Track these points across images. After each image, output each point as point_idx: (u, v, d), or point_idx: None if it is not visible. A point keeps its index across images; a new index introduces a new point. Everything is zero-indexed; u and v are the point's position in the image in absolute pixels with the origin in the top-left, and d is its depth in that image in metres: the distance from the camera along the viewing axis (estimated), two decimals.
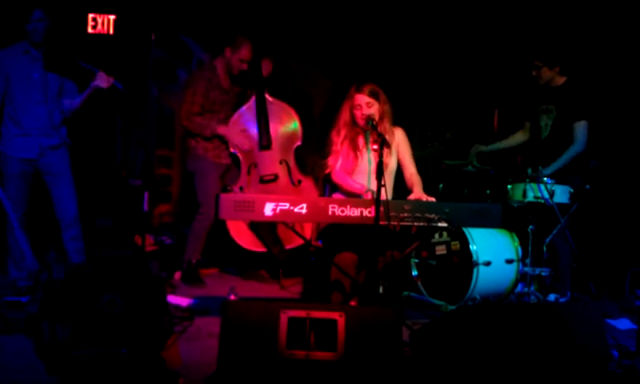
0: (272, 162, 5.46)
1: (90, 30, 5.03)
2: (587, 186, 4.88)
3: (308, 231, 5.15)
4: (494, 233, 5.10)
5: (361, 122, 4.22)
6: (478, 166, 5.43)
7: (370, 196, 4.01)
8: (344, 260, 4.04)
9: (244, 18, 6.17)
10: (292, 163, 5.51)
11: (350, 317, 3.02)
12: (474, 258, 4.84)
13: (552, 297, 5.00)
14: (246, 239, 5.38)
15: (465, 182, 5.71)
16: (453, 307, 4.87)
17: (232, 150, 5.39)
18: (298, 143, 5.56)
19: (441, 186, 5.73)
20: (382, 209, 3.62)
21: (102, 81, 4.67)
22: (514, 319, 3.20)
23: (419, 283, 5.25)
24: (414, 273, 5.29)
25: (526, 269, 4.96)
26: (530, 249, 4.92)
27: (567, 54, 5.17)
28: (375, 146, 3.89)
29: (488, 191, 5.45)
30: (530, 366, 3.09)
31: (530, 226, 4.94)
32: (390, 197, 4.15)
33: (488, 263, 4.87)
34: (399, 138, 4.40)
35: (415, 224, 3.80)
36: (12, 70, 4.65)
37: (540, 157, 4.99)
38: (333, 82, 6.70)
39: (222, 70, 5.38)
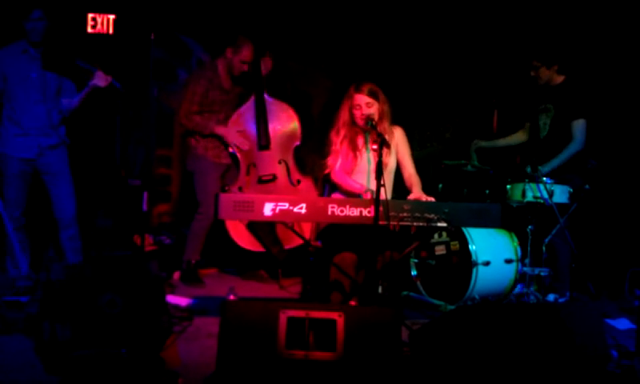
0: (271, 162, 5.46)
1: (89, 30, 5.02)
2: (586, 186, 4.88)
3: (307, 231, 5.15)
4: (494, 233, 5.10)
5: (360, 122, 4.22)
6: (477, 166, 5.43)
7: (369, 196, 4.01)
8: (343, 260, 4.04)
9: (244, 17, 6.17)
10: (291, 163, 5.51)
11: (349, 317, 3.02)
12: (474, 257, 4.84)
13: (551, 297, 5.00)
14: (245, 239, 5.38)
15: (464, 181, 5.72)
16: (452, 307, 4.87)
17: (231, 150, 5.39)
18: (297, 143, 5.56)
19: (440, 185, 5.73)
20: (381, 209, 3.63)
21: (100, 80, 4.68)
22: (513, 319, 3.21)
23: (418, 283, 5.25)
24: (414, 273, 5.29)
25: (525, 269, 4.96)
26: (529, 249, 4.93)
27: (564, 52, 5.17)
28: (375, 146, 3.89)
29: (487, 191, 5.45)
30: (530, 366, 3.09)
31: (529, 226, 4.94)
32: (389, 196, 4.15)
33: (487, 263, 4.88)
34: (398, 138, 4.40)
35: (414, 224, 3.80)
36: (10, 70, 4.66)
37: (539, 156, 4.99)
38: (332, 81, 6.70)
39: (224, 70, 5.38)
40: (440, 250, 5.18)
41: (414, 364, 3.28)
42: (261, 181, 5.41)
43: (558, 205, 4.77)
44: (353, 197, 4.13)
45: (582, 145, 4.99)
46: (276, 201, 3.67)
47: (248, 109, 5.45)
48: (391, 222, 3.73)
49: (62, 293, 3.28)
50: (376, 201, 3.58)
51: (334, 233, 4.16)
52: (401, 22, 6.55)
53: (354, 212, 3.73)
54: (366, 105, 4.20)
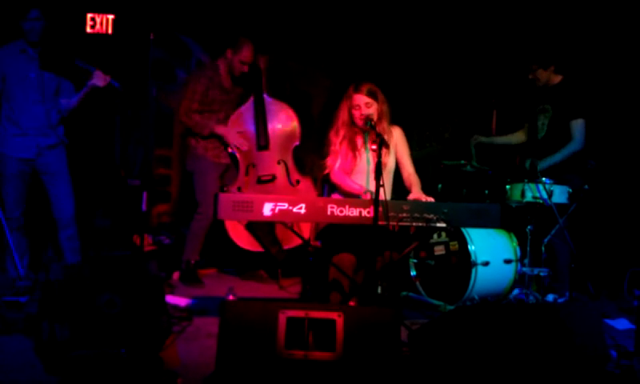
0: (270, 162, 5.46)
1: (88, 30, 5.02)
2: (586, 186, 4.88)
3: (307, 231, 5.15)
4: (493, 233, 5.10)
5: (359, 122, 4.22)
6: (476, 166, 5.43)
7: (368, 197, 4.01)
8: (343, 260, 4.04)
9: (243, 17, 6.17)
10: (290, 163, 5.50)
11: (348, 317, 3.02)
12: (473, 258, 4.84)
13: (550, 297, 5.00)
14: (244, 239, 5.38)
15: (463, 182, 5.72)
16: (451, 307, 4.87)
17: (230, 150, 5.39)
18: (297, 143, 5.56)
19: (439, 186, 5.74)
20: (380, 209, 3.63)
21: (99, 79, 4.68)
22: (512, 319, 3.21)
23: (418, 283, 5.26)
24: (413, 273, 5.29)
25: (524, 269, 4.97)
26: (528, 249, 4.93)
27: (560, 51, 5.18)
28: (374, 146, 3.89)
29: (486, 191, 5.45)
30: (529, 366, 3.09)
31: (529, 226, 4.95)
32: (388, 197, 4.15)
33: (486, 263, 4.88)
34: (397, 137, 4.39)
35: (414, 224, 3.81)
36: (9, 70, 4.65)
37: (537, 156, 5.00)
38: (332, 81, 6.70)
39: (224, 69, 5.39)
40: (439, 251, 5.18)
41: (413, 364, 3.28)
42: (260, 181, 5.41)
43: (558, 205, 4.77)
44: (352, 197, 4.12)
45: (582, 144, 5.00)
46: (275, 201, 3.67)
47: (247, 109, 5.45)
48: (390, 223, 3.73)
49: (61, 293, 3.28)
50: (375, 201, 3.58)
51: (334, 233, 4.16)
52: (400, 21, 6.56)
53: (353, 212, 3.73)
54: (365, 105, 4.20)
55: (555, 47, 5.21)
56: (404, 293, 5.27)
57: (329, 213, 3.71)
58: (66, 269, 3.51)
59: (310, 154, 5.83)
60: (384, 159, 4.02)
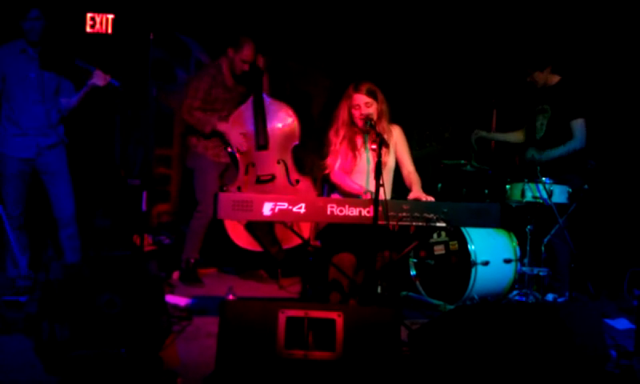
0: (269, 162, 5.46)
1: (88, 30, 5.02)
2: (585, 186, 4.88)
3: (306, 231, 5.15)
4: (493, 233, 5.10)
5: (359, 122, 4.21)
6: (476, 166, 5.43)
7: (368, 196, 4.01)
8: (342, 260, 4.04)
9: (243, 17, 6.17)
10: (290, 163, 5.50)
11: (348, 317, 3.02)
12: (473, 257, 4.85)
13: (550, 297, 5.01)
14: (244, 239, 5.38)
15: (463, 181, 5.72)
16: (451, 307, 4.87)
17: (230, 149, 5.39)
18: (296, 143, 5.55)
19: (439, 185, 5.74)
20: (380, 208, 3.62)
21: (99, 79, 4.68)
22: (512, 319, 3.21)
23: (417, 283, 5.26)
24: (413, 272, 5.29)
25: (524, 269, 4.97)
26: (528, 249, 4.93)
27: (555, 52, 5.19)
28: (374, 146, 3.89)
29: (486, 191, 5.46)
30: (529, 366, 3.09)
31: (529, 226, 4.95)
32: (388, 196, 4.15)
33: (486, 263, 4.88)
34: (397, 136, 4.39)
35: (414, 224, 3.81)
36: (9, 70, 4.65)
37: (537, 154, 5.00)
38: (332, 81, 6.70)
39: (227, 68, 5.40)
40: (439, 250, 5.18)
41: (413, 364, 3.28)
42: (259, 181, 5.41)
43: (557, 205, 4.77)
44: (352, 197, 4.12)
45: (583, 143, 5.00)
46: (275, 200, 3.67)
47: (247, 108, 5.45)
48: (390, 222, 3.73)
49: (61, 293, 3.28)
50: (375, 201, 3.58)
51: (333, 233, 4.16)
52: (400, 21, 6.56)
53: (353, 212, 3.73)
54: (365, 105, 4.20)
55: (550, 48, 5.22)
56: (404, 292, 5.27)
57: (328, 212, 3.71)
58: (66, 268, 3.51)
59: (310, 154, 5.83)
60: (384, 158, 4.02)
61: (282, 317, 3.00)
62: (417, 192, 4.18)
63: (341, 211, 3.72)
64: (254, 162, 5.42)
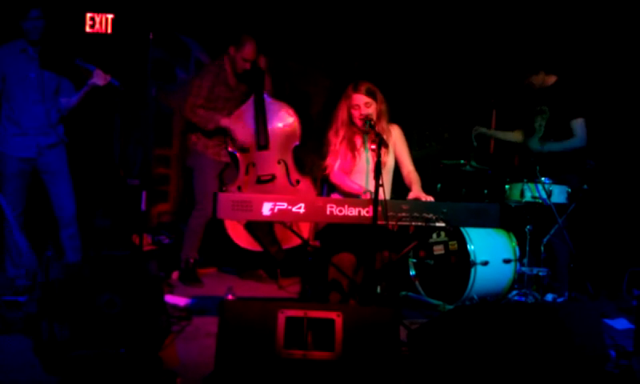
0: (270, 162, 5.46)
1: (88, 29, 5.02)
2: (585, 186, 4.89)
3: (306, 231, 5.15)
4: (492, 233, 5.10)
5: (359, 122, 4.21)
6: (475, 166, 5.43)
7: (368, 196, 4.01)
8: (342, 260, 4.04)
9: (242, 17, 6.17)
10: (290, 163, 5.50)
11: (347, 316, 3.02)
12: (472, 257, 4.85)
13: (549, 297, 5.01)
14: (243, 239, 5.38)
15: (463, 181, 5.72)
16: (450, 307, 4.87)
17: (230, 149, 5.39)
18: (297, 143, 5.54)
19: (439, 185, 5.74)
20: (379, 208, 3.62)
21: (99, 78, 4.67)
22: (511, 319, 3.21)
23: (417, 283, 5.26)
24: (412, 272, 5.29)
25: (523, 269, 4.97)
26: (527, 249, 4.93)
27: (548, 54, 5.19)
28: (373, 146, 3.89)
29: (486, 191, 5.46)
30: (528, 366, 3.09)
31: (528, 226, 4.95)
32: (388, 196, 4.15)
33: (485, 263, 4.88)
34: (396, 136, 4.39)
35: (413, 224, 3.81)
36: (9, 69, 4.65)
37: (535, 157, 5.01)
38: (332, 81, 6.70)
39: (229, 66, 5.40)
40: (438, 250, 5.19)
41: (412, 364, 3.28)
42: (260, 181, 5.41)
43: (557, 205, 4.78)
44: (352, 197, 4.12)
45: (584, 141, 5.00)
46: (274, 200, 3.67)
47: (247, 108, 5.45)
48: (390, 222, 3.73)
49: (61, 292, 3.28)
50: (374, 201, 3.58)
51: (333, 233, 4.16)
52: (400, 22, 6.56)
53: (352, 212, 3.73)
54: (364, 105, 4.20)
55: (542, 50, 5.23)
56: (403, 292, 5.27)
57: (328, 212, 3.71)
58: (66, 268, 3.51)
59: (309, 154, 5.83)
60: (383, 158, 4.02)
61: (282, 317, 3.00)
62: (416, 191, 4.18)
63: (340, 211, 3.72)
64: (255, 161, 5.42)
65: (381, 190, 3.60)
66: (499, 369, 3.06)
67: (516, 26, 6.19)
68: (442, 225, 3.81)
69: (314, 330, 3.01)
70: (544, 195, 4.75)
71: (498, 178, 5.32)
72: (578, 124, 4.99)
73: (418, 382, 3.18)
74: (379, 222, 3.62)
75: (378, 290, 3.88)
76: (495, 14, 6.32)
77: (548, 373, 3.10)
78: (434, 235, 5.20)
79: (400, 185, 4.41)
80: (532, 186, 4.83)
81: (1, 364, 3.28)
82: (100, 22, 4.96)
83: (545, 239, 4.97)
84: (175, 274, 5.56)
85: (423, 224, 3.80)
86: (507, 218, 5.12)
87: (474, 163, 5.43)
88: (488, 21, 6.38)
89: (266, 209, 3.64)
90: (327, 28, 6.54)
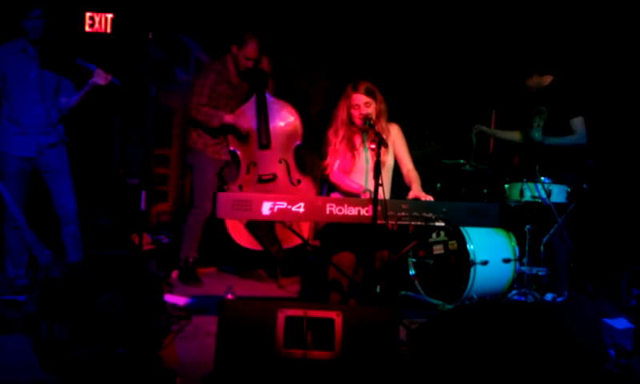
0: (271, 162, 5.45)
1: (87, 29, 5.02)
2: (584, 186, 4.89)
3: (306, 230, 5.15)
4: (492, 232, 5.11)
5: (358, 122, 4.21)
6: (475, 165, 5.43)
7: (367, 196, 4.01)
8: (342, 259, 4.04)
9: (242, 16, 6.17)
10: (291, 163, 5.50)
11: (347, 316, 3.02)
12: (472, 257, 4.85)
13: (549, 296, 5.01)
14: (244, 238, 5.38)
15: (462, 181, 5.72)
16: (450, 306, 4.87)
17: (232, 147, 5.39)
18: (298, 142, 5.54)
19: (438, 185, 5.74)
20: (379, 208, 3.62)
21: (100, 78, 4.66)
22: (511, 319, 3.21)
23: (416, 282, 5.26)
24: (412, 272, 5.29)
25: (523, 268, 4.97)
26: (527, 248, 4.93)
27: (539, 55, 5.19)
28: (373, 146, 3.89)
29: (485, 191, 5.46)
30: (528, 366, 3.09)
31: (527, 226, 4.95)
32: (387, 195, 4.15)
33: (485, 262, 4.88)
34: (395, 135, 4.39)
35: (413, 223, 3.80)
36: (9, 69, 4.65)
37: (535, 157, 5.01)
38: (331, 80, 6.70)
39: (232, 65, 5.40)
40: (438, 250, 5.19)
41: (411, 363, 3.28)
42: (261, 180, 5.41)
43: (556, 204, 4.78)
44: (351, 197, 4.12)
45: (584, 139, 5.00)
46: (274, 200, 3.67)
47: (249, 107, 5.45)
48: (389, 222, 3.73)
49: (60, 292, 3.28)
50: (374, 200, 3.58)
51: (333, 232, 4.16)
52: (399, 22, 6.56)
53: (352, 211, 3.73)
54: (364, 104, 4.19)
55: (533, 53, 5.24)
56: (403, 292, 5.27)
57: (327, 212, 3.71)
58: (65, 268, 3.51)
59: (309, 153, 5.82)
60: (382, 158, 4.02)
61: (281, 316, 3.00)
62: (416, 191, 4.18)
63: (340, 211, 3.72)
64: (256, 161, 5.41)
65: (380, 189, 3.60)
66: (499, 368, 3.06)
67: (508, 28, 6.20)
68: (442, 224, 3.81)
69: (313, 329, 3.01)
70: (543, 195, 4.75)
71: (497, 178, 5.32)
72: (578, 122, 4.99)
73: (417, 381, 3.18)
74: (379, 222, 3.62)
75: (378, 289, 3.88)
76: (489, 14, 6.32)
77: (548, 372, 3.10)
78: (434, 235, 5.21)
79: (400, 184, 4.41)
80: (531, 185, 4.83)
81: (0, 363, 3.28)
82: (99, 22, 4.97)
83: (544, 239, 4.97)
84: (175, 274, 5.56)
85: (423, 223, 3.79)
86: (507, 217, 5.13)
87: (473, 163, 5.43)
88: (486, 21, 6.38)
89: (266, 208, 3.64)
90: (327, 28, 6.54)
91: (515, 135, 5.51)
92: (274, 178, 5.44)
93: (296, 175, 5.48)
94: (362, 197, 4.04)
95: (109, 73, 4.71)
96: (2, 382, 3.08)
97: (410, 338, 3.44)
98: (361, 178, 4.28)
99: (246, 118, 5.38)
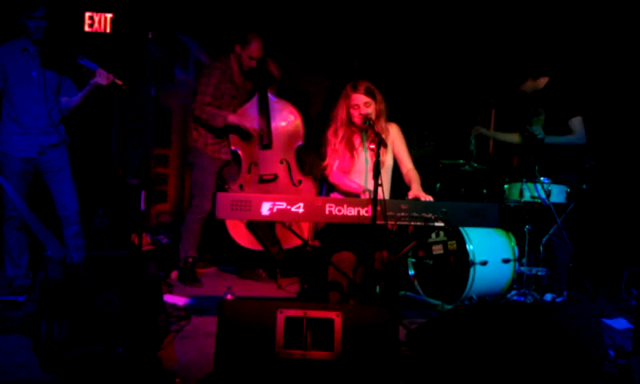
0: (272, 162, 5.45)
1: (86, 29, 5.02)
2: (584, 186, 4.89)
3: (306, 231, 5.14)
4: (491, 232, 5.11)
5: (358, 122, 4.21)
6: (475, 166, 5.43)
7: (367, 196, 4.01)
8: (341, 260, 4.04)
9: (242, 16, 6.17)
10: (293, 163, 5.49)
11: (346, 316, 3.02)
12: (471, 257, 4.85)
13: (548, 296, 5.01)
14: (244, 238, 5.38)
15: (461, 181, 5.72)
16: (449, 307, 4.87)
17: (233, 147, 5.39)
18: (300, 143, 5.54)
19: (438, 185, 5.74)
20: (378, 208, 3.62)
21: (102, 78, 4.64)
22: (510, 319, 3.21)
23: (416, 283, 5.26)
24: (411, 272, 5.29)
25: (522, 268, 4.97)
26: (526, 248, 4.94)
27: (532, 60, 5.20)
28: (372, 146, 3.89)
29: (485, 191, 5.46)
30: (527, 366, 3.09)
31: (527, 226, 4.95)
32: (387, 195, 4.15)
33: (485, 263, 4.88)
34: (394, 134, 4.38)
35: (412, 223, 3.80)
36: (10, 68, 4.63)
37: (536, 157, 5.01)
38: (331, 80, 6.70)
39: (236, 64, 5.39)
40: (437, 250, 5.19)
41: (411, 363, 3.28)
42: (262, 180, 5.41)
43: (556, 204, 4.78)
44: (351, 197, 4.12)
45: (584, 139, 5.00)
46: (274, 200, 3.67)
47: (252, 106, 5.44)
48: (389, 222, 3.73)
49: (60, 292, 3.27)
50: (374, 200, 3.58)
51: (332, 232, 4.16)
52: (399, 22, 6.56)
53: (351, 211, 3.73)
54: (363, 104, 4.19)
55: (525, 59, 5.24)
56: (402, 292, 5.27)
57: (327, 212, 3.71)
58: (65, 268, 3.50)
59: (309, 154, 5.82)
60: (382, 158, 4.02)
61: (281, 316, 3.00)
62: (416, 190, 4.17)
63: (339, 211, 3.72)
64: (257, 161, 5.41)
65: (380, 189, 3.60)
66: (498, 368, 3.06)
67: (503, 29, 6.21)
68: (441, 224, 3.81)
69: (313, 329, 3.01)
70: (543, 195, 4.75)
71: (497, 178, 5.32)
72: (577, 122, 4.99)
73: (417, 381, 3.18)
74: (378, 222, 3.62)
75: (378, 289, 3.88)
76: (489, 14, 6.33)
77: (547, 372, 3.11)
78: (433, 235, 5.20)
79: (399, 184, 4.41)
80: (531, 185, 4.83)
81: (0, 363, 3.28)
82: (99, 21, 4.97)
83: (544, 239, 4.97)
84: (174, 274, 5.56)
85: (422, 224, 3.79)
86: (506, 217, 5.13)
87: (473, 163, 5.43)
88: (486, 21, 6.39)
89: (265, 208, 3.64)
90: (327, 28, 6.54)
91: (514, 137, 5.50)
92: (275, 178, 5.44)
93: (297, 175, 5.48)
94: (362, 197, 4.04)
95: (109, 72, 4.70)
96: (2, 381, 3.08)
97: (410, 338, 3.44)
98: (360, 178, 4.28)
99: (249, 117, 5.38)
